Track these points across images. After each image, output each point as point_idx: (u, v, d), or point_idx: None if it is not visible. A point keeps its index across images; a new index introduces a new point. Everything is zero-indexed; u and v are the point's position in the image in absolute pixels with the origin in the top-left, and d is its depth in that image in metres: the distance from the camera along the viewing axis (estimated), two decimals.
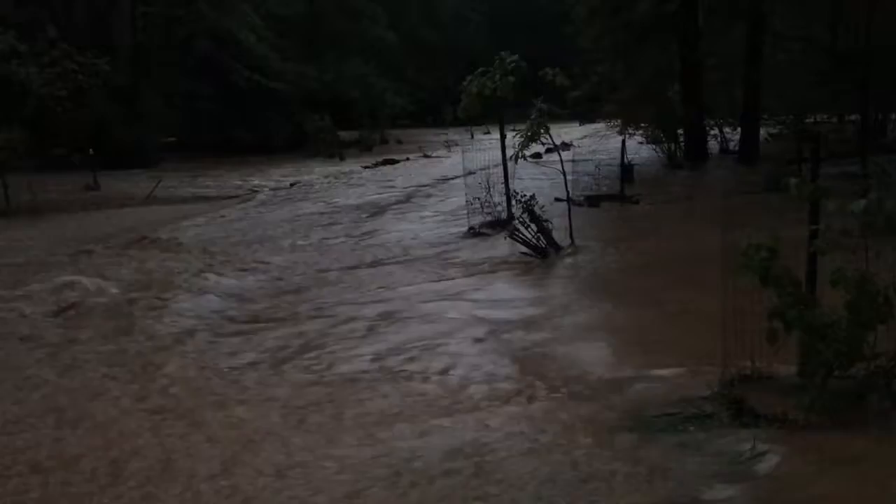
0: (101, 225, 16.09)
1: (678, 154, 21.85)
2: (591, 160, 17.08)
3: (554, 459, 4.27)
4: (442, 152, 33.42)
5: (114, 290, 9.39)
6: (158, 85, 33.45)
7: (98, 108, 29.21)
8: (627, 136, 20.82)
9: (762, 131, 21.61)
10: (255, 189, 22.74)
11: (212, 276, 10.27)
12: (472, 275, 9.58)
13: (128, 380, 6.22)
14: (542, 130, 10.37)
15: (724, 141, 24.32)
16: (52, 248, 12.97)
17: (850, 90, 17.56)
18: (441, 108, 52.67)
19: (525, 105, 11.06)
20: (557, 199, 12.46)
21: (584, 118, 33.16)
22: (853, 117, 20.43)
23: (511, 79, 11.16)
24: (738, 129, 22.34)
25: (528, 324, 7.20)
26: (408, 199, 18.47)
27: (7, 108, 24.64)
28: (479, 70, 11.75)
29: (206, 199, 20.84)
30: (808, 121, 20.60)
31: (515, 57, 11.18)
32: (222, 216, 17.25)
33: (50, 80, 24.44)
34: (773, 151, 19.44)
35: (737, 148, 22.05)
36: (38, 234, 15.18)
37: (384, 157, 31.81)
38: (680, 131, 22.34)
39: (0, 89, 24.32)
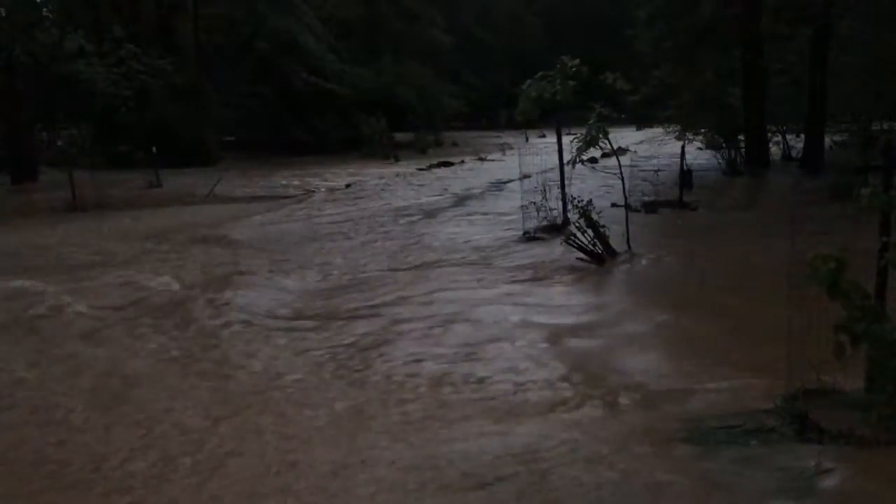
0: (162, 222, 16.49)
1: (738, 160, 21.43)
2: (649, 166, 16.87)
3: (611, 469, 4.21)
4: (497, 155, 33.39)
5: (172, 286, 9.62)
6: (219, 85, 34.14)
7: (161, 108, 29.97)
8: (686, 141, 20.49)
9: (826, 138, 21.05)
10: (312, 189, 23.03)
11: (267, 274, 10.44)
12: (527, 279, 9.53)
13: (184, 376, 6.36)
14: (601, 135, 10.26)
15: (786, 148, 23.77)
16: (114, 244, 13.34)
17: None
18: (496, 111, 52.69)
19: (582, 108, 10.97)
20: (614, 205, 12.33)
21: (642, 122, 32.79)
22: None
23: (572, 83, 11.07)
24: (802, 136, 21.81)
25: (584, 330, 7.14)
26: (463, 201, 18.48)
27: (74, 107, 25.44)
28: (539, 74, 11.68)
29: (264, 198, 21.18)
30: (875, 128, 20.01)
31: (577, 61, 11.08)
32: (279, 216, 17.52)
33: (115, 79, 25.16)
34: (838, 159, 18.93)
35: (800, 155, 21.53)
36: (102, 229, 15.63)
37: (439, 160, 31.92)
38: (741, 137, 21.90)
39: (68, 88, 25.13)
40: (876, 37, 17.35)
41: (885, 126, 19.97)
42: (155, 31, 33.24)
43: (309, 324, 7.84)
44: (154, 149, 23.77)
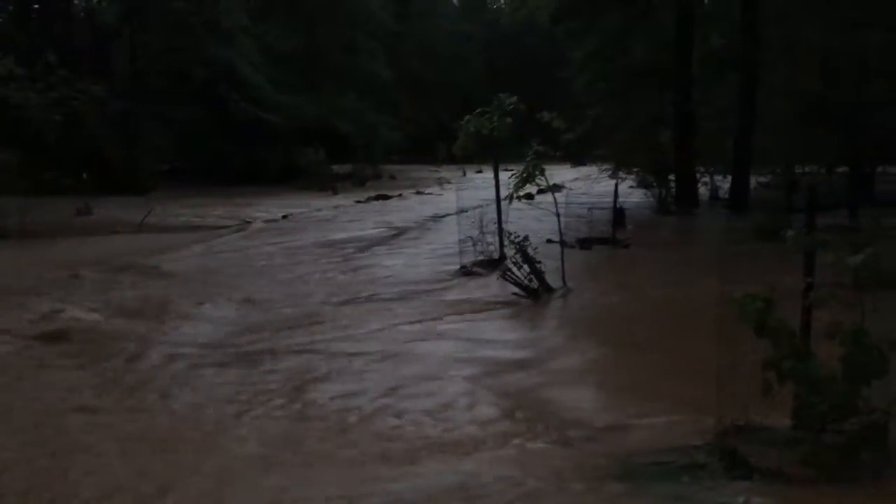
0: (90, 251, 15.98)
1: (669, 199, 22.01)
2: (583, 203, 17.18)
3: None
4: (434, 189, 33.58)
5: (98, 318, 9.32)
6: (155, 112, 33.57)
7: (95, 134, 29.28)
8: (619, 179, 20.98)
9: (752, 179, 21.81)
10: (248, 220, 22.70)
11: (199, 307, 10.20)
12: (463, 314, 9.54)
13: (105, 409, 6.14)
14: (537, 172, 10.42)
15: (714, 188, 24.54)
16: (38, 273, 12.84)
17: (839, 142, 17.82)
18: (434, 145, 53.08)
19: (519, 145, 11.14)
20: (549, 241, 12.49)
21: (577, 160, 33.45)
22: (842, 169, 20.69)
23: (509, 120, 11.25)
24: (729, 177, 22.55)
25: (518, 366, 7.15)
26: (400, 235, 18.48)
27: (3, 132, 24.65)
28: (478, 110, 11.85)
29: (199, 228, 20.77)
30: (797, 171, 20.83)
31: (514, 99, 11.29)
32: (214, 246, 17.19)
33: (46, 104, 24.48)
34: (763, 200, 19.62)
35: (727, 195, 22.24)
36: (26, 257, 15.06)
37: (377, 193, 31.93)
38: (671, 177, 22.52)
39: None
40: (799, 85, 18.13)
41: (808, 169, 20.84)
42: (89, 56, 32.57)
43: (238, 358, 7.66)
44: (84, 175, 23.15)
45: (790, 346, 4.38)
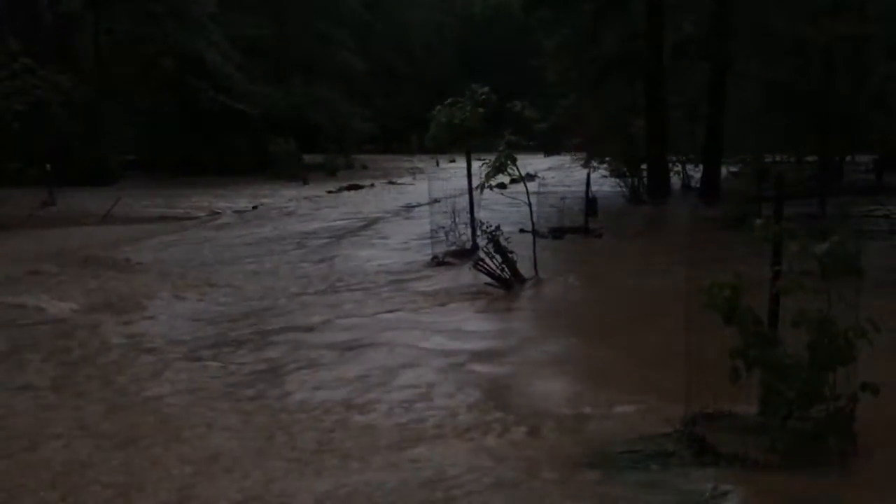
0: (55, 242, 15.73)
1: (641, 189, 22.11)
2: (556, 192, 17.21)
3: (518, 495, 4.22)
4: (407, 179, 33.49)
5: (66, 311, 9.20)
6: (122, 102, 33.07)
7: (59, 124, 28.81)
8: (592, 169, 21.03)
9: (723, 169, 21.97)
10: (217, 211, 22.50)
11: (169, 299, 10.10)
12: (435, 304, 9.52)
13: (75, 405, 6.05)
14: (509, 161, 10.42)
15: (685, 178, 24.68)
16: (2, 266, 12.64)
17: (808, 132, 18.03)
18: (407, 135, 52.97)
19: (492, 135, 11.13)
20: (522, 231, 12.50)
21: (550, 150, 33.54)
22: (811, 158, 20.92)
23: (481, 110, 11.25)
24: (700, 167, 22.69)
25: (491, 356, 7.16)
26: (372, 225, 18.41)
27: None
28: (450, 100, 11.83)
29: (167, 219, 20.55)
30: (767, 160, 21.01)
31: (486, 89, 11.29)
32: (182, 238, 17.01)
33: (8, 93, 24.04)
34: (734, 189, 19.77)
35: (698, 185, 22.39)
36: None
37: (349, 183, 31.79)
38: (643, 166, 22.62)
39: None
40: (769, 74, 18.28)
41: (777, 158, 21.05)
42: (53, 44, 31.98)
43: (211, 351, 7.58)
44: (48, 166, 22.77)
45: (757, 334, 4.42)
